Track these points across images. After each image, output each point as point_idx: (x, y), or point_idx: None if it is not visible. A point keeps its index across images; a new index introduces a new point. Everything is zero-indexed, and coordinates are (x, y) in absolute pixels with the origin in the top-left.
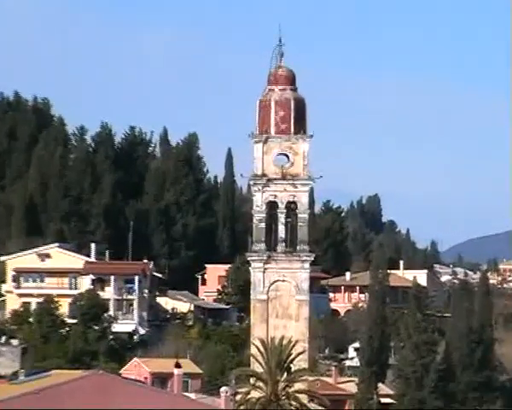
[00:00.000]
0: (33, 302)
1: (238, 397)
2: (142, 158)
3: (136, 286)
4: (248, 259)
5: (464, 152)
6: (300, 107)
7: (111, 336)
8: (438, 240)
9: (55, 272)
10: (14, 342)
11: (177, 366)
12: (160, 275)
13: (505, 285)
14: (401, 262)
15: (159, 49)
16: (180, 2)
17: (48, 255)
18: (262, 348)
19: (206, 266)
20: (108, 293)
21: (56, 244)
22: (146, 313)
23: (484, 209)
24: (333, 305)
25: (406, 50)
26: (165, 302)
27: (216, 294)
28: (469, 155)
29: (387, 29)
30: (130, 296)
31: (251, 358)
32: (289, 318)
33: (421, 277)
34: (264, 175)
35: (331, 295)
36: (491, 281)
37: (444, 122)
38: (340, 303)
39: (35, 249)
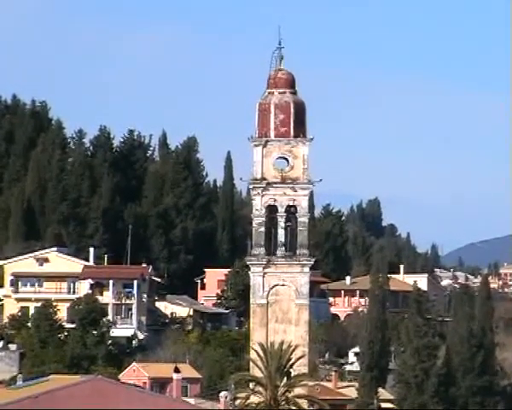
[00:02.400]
0: (31, 307)
1: (237, 402)
2: (141, 162)
3: (134, 290)
4: (248, 263)
5: (465, 156)
6: (300, 110)
7: (109, 341)
8: (438, 244)
9: (54, 276)
10: (12, 346)
11: (176, 370)
12: (158, 279)
13: (506, 289)
14: (401, 266)
15: (157, 52)
16: (179, 4)
17: (46, 260)
18: (261, 353)
19: (206, 270)
20: (107, 297)
21: (54, 248)
22: (145, 317)
23: (484, 213)
24: (333, 309)
25: (406, 52)
26: (164, 307)
27: (215, 298)
28: (470, 158)
29: (387, 31)
30: (128, 301)
31: (250, 363)
32: (289, 322)
33: (422, 281)
34: (263, 179)
35: (331, 299)
36: (491, 285)
37: (444, 126)
38: (340, 308)
39: (33, 254)
